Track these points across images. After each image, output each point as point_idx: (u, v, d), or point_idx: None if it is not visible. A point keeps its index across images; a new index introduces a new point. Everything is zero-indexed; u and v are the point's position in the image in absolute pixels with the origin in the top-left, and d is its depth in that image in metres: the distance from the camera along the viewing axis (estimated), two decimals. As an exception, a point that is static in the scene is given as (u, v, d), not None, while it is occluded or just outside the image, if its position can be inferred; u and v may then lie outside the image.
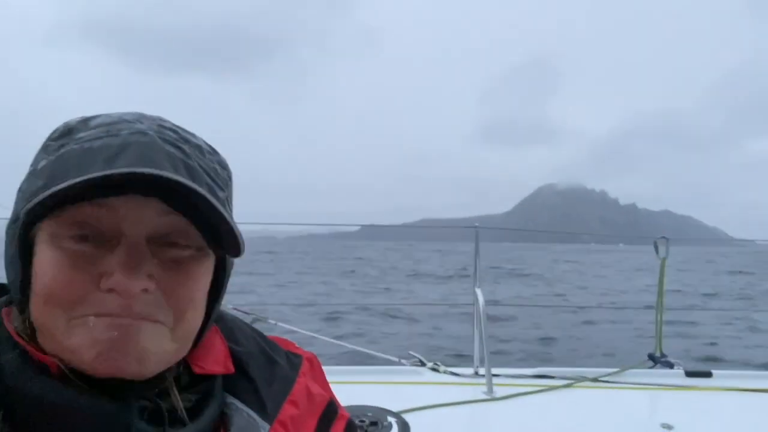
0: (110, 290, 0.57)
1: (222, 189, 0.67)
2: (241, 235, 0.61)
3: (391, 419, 1.86)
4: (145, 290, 0.58)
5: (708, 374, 3.40)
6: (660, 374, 3.45)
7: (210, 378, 0.70)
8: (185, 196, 0.58)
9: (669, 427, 2.57)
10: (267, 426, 0.70)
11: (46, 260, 0.58)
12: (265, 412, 0.71)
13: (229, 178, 0.71)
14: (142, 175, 0.54)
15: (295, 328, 3.61)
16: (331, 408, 0.83)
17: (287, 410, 0.74)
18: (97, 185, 0.54)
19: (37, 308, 0.59)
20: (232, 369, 0.73)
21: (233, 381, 0.73)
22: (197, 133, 0.69)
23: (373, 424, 1.83)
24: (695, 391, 3.17)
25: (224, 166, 0.70)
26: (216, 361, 0.71)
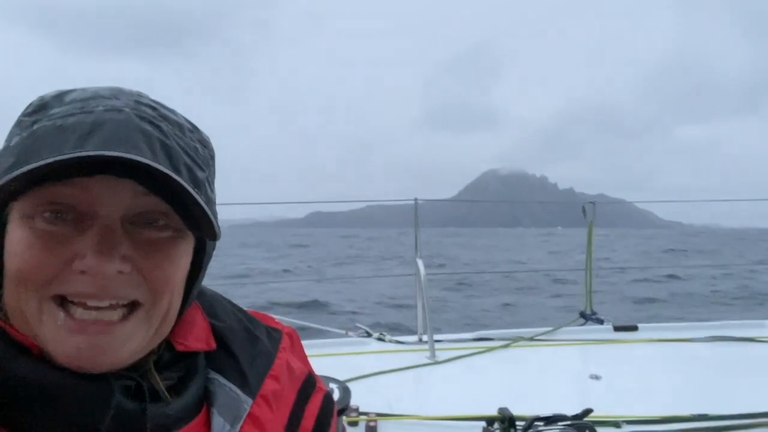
0: (83, 272, 0.55)
1: (202, 169, 0.64)
2: (216, 218, 0.60)
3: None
4: (120, 272, 0.56)
5: (634, 328, 3.66)
6: (590, 330, 3.69)
7: (192, 355, 0.69)
8: (161, 178, 0.55)
9: (597, 377, 2.78)
10: (250, 401, 0.70)
11: (17, 241, 0.56)
12: (248, 387, 0.71)
13: (211, 156, 0.69)
14: (113, 157, 0.52)
15: (245, 308, 3.62)
16: (310, 381, 0.83)
17: (269, 385, 0.74)
18: (70, 165, 0.52)
19: (9, 290, 0.57)
20: (213, 345, 0.72)
21: (215, 357, 0.72)
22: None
23: (316, 390, 1.89)
24: (622, 344, 3.42)
25: (205, 144, 0.68)
26: (198, 338, 0.70)
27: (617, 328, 3.65)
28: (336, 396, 1.87)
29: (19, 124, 0.62)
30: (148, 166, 0.54)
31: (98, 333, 0.56)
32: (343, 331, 3.54)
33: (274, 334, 0.83)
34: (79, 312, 0.56)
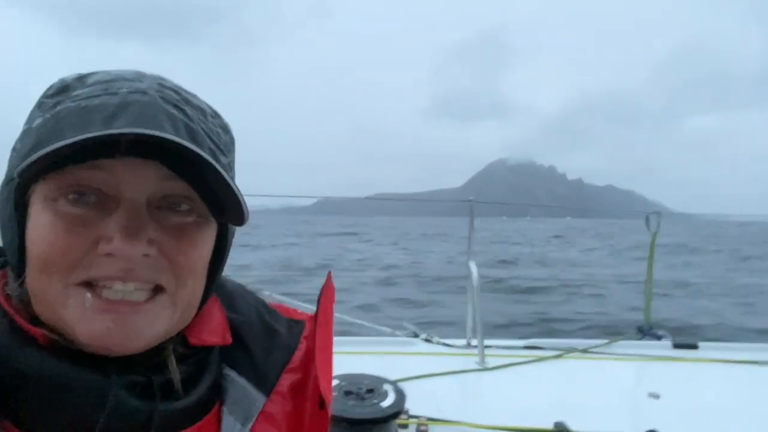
0: (108, 255, 0.55)
1: (224, 154, 0.64)
2: (245, 202, 0.59)
3: (388, 387, 1.90)
4: (146, 256, 0.56)
5: (694, 346, 3.48)
6: (648, 345, 3.52)
7: (206, 349, 0.68)
8: (187, 161, 0.55)
9: (656, 396, 2.64)
10: (263, 398, 0.69)
11: (41, 224, 0.56)
12: (263, 384, 0.70)
13: (232, 142, 0.69)
14: (144, 136, 0.51)
15: (289, 300, 3.63)
16: None
17: (286, 379, 0.72)
18: (95, 146, 0.51)
19: (32, 274, 0.57)
20: (229, 340, 0.71)
21: (231, 351, 0.71)
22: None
23: (370, 391, 1.86)
24: (682, 362, 3.25)
25: (227, 129, 0.67)
26: (213, 331, 0.69)
27: (676, 345, 3.47)
28: (391, 399, 1.83)
29: (40, 105, 0.61)
30: (178, 147, 0.53)
31: (127, 313, 0.55)
32: (390, 330, 3.50)
33: (296, 326, 0.79)
34: (105, 292, 0.55)
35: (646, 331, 3.74)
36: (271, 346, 0.74)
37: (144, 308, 0.57)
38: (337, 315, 3.79)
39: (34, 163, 0.51)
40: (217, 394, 0.67)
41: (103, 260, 0.55)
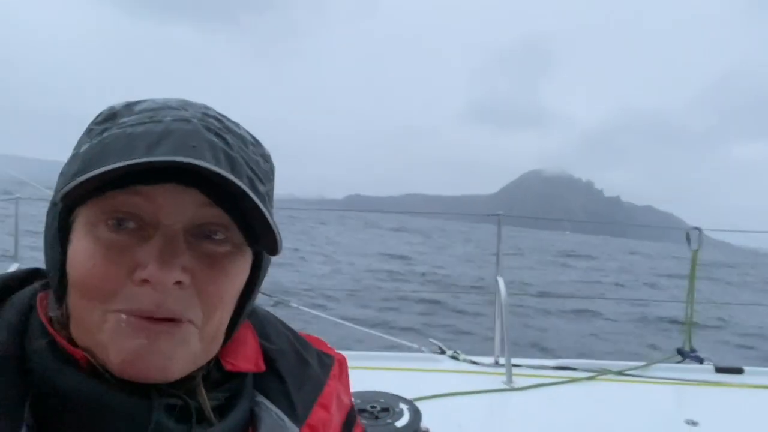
0: (143, 282, 0.55)
1: (263, 183, 0.64)
2: (279, 233, 0.59)
3: (403, 406, 1.84)
4: (179, 283, 0.56)
5: (739, 371, 3.28)
6: (688, 369, 3.35)
7: (241, 375, 0.68)
8: (225, 189, 0.56)
9: (694, 423, 2.49)
10: (296, 429, 0.69)
11: (81, 249, 0.57)
12: (295, 414, 0.70)
13: (272, 171, 0.69)
14: (182, 164, 0.52)
15: (317, 312, 3.62)
16: (352, 416, 0.82)
17: (317, 413, 0.73)
18: (137, 172, 0.53)
19: (73, 299, 0.58)
20: (263, 367, 0.71)
21: (264, 379, 0.71)
22: (241, 124, 0.67)
23: (385, 410, 1.81)
24: (724, 387, 3.07)
25: (267, 158, 0.68)
26: (247, 358, 0.70)
27: (719, 370, 3.29)
28: (406, 419, 1.78)
29: (89, 132, 0.63)
30: (216, 175, 0.54)
31: (159, 332, 0.56)
32: (416, 346, 3.44)
33: (326, 359, 0.81)
34: (138, 324, 0.56)
35: (686, 354, 3.56)
36: (303, 377, 0.75)
37: (175, 330, 0.57)
38: (362, 329, 3.75)
39: (76, 187, 0.52)
40: (250, 422, 0.67)
41: (138, 291, 0.55)
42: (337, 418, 0.77)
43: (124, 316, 0.56)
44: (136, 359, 0.56)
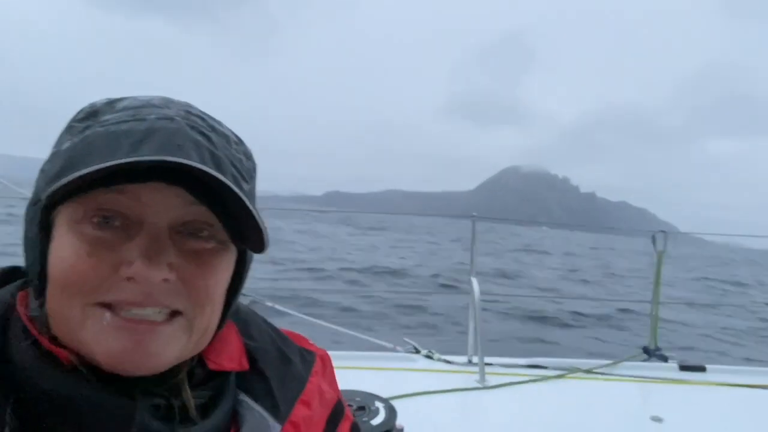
0: (129, 278, 0.55)
1: (246, 181, 0.65)
2: (266, 229, 0.60)
3: (379, 404, 1.87)
4: (166, 280, 0.56)
5: (702, 369, 3.40)
6: (654, 367, 3.45)
7: (223, 374, 0.69)
8: (210, 187, 0.56)
9: (659, 419, 2.58)
10: (278, 426, 0.69)
11: (64, 246, 0.57)
12: (278, 412, 0.70)
13: (254, 169, 0.69)
14: (169, 163, 0.52)
15: (291, 311, 3.61)
16: (339, 408, 0.82)
17: (299, 410, 0.73)
18: (121, 171, 0.52)
19: (53, 295, 0.57)
20: (246, 366, 0.72)
21: (246, 378, 0.72)
22: (224, 122, 0.67)
23: (361, 408, 1.83)
24: (688, 384, 3.17)
25: (249, 156, 0.69)
26: (230, 357, 0.70)
27: (683, 368, 3.40)
28: (381, 417, 1.80)
29: (69, 129, 0.62)
30: (202, 173, 0.54)
31: (144, 332, 0.56)
32: (392, 345, 3.46)
33: (308, 356, 0.82)
34: (123, 313, 0.56)
35: (652, 352, 3.67)
36: (285, 374, 0.75)
37: (161, 329, 0.57)
38: (337, 328, 3.75)
39: (65, 185, 0.52)
40: (233, 420, 0.68)
41: (124, 284, 0.56)
42: (320, 413, 0.77)
43: (107, 314, 0.56)
44: (121, 360, 0.56)
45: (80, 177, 0.51)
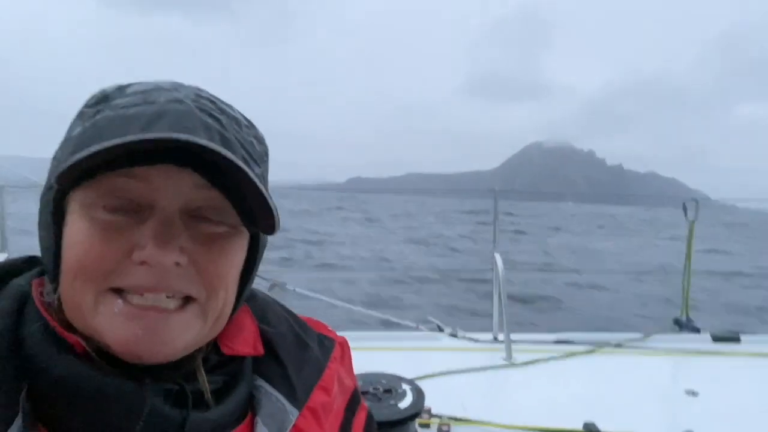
0: (142, 263, 0.55)
1: (257, 164, 0.64)
2: (277, 211, 0.59)
3: (406, 386, 1.82)
4: (177, 264, 0.56)
5: (736, 339, 3.30)
6: (686, 339, 3.36)
7: (238, 359, 0.69)
8: (221, 170, 0.56)
9: (693, 393, 2.50)
10: (296, 412, 0.69)
11: (76, 231, 0.57)
12: (295, 398, 0.70)
13: (266, 153, 0.69)
14: (178, 141, 0.52)
15: (312, 294, 3.59)
16: (355, 397, 0.82)
17: (318, 396, 0.72)
18: (131, 154, 0.53)
19: (66, 281, 0.57)
20: (261, 351, 0.71)
21: (263, 363, 0.71)
22: (234, 106, 0.67)
23: (387, 391, 1.79)
24: (722, 356, 3.08)
25: (261, 140, 0.68)
26: (245, 342, 0.70)
27: (716, 339, 3.30)
28: (409, 399, 1.76)
29: (81, 115, 0.62)
30: (214, 154, 0.53)
31: (156, 319, 0.56)
32: (415, 324, 3.43)
33: (326, 342, 0.82)
34: (136, 299, 0.56)
35: (683, 324, 3.57)
36: (303, 360, 0.75)
37: (174, 316, 0.57)
38: (360, 309, 3.72)
39: (71, 168, 0.51)
40: (249, 405, 0.68)
41: (136, 269, 0.56)
42: (339, 400, 0.77)
43: (119, 302, 0.56)
44: (134, 347, 0.56)
45: (89, 159, 0.51)
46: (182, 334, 0.58)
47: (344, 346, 0.85)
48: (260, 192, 0.56)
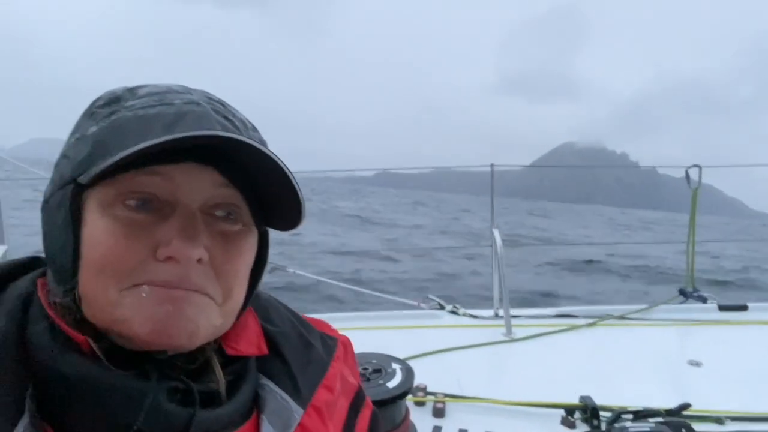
0: (168, 258, 0.56)
1: None
2: (304, 202, 0.61)
3: (396, 366, 1.81)
4: (200, 260, 0.58)
5: (743, 308, 3.24)
6: (692, 309, 3.31)
7: (242, 359, 0.69)
8: (241, 168, 0.58)
9: (697, 363, 2.47)
10: (300, 410, 0.69)
11: (99, 229, 0.57)
12: (299, 396, 0.70)
13: None
14: (213, 138, 0.54)
15: (312, 275, 3.59)
16: (360, 395, 0.82)
17: (321, 395, 0.73)
18: (153, 152, 0.53)
19: (88, 278, 0.57)
20: (265, 350, 0.72)
21: (267, 362, 0.72)
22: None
23: (376, 371, 1.77)
24: (729, 325, 3.03)
25: (264, 144, 0.68)
26: (249, 342, 0.71)
27: (723, 308, 3.25)
28: (398, 378, 1.74)
29: (92, 115, 0.62)
30: (231, 155, 0.57)
31: (183, 299, 0.57)
32: (416, 303, 3.41)
33: (329, 341, 0.83)
34: (162, 292, 0.57)
35: (689, 294, 3.52)
36: (306, 359, 0.76)
37: (197, 296, 0.58)
38: (360, 289, 3.71)
39: (105, 168, 0.52)
40: (255, 404, 0.69)
41: (160, 266, 0.57)
42: (342, 399, 0.78)
43: (146, 287, 0.56)
44: (164, 326, 0.56)
45: (124, 158, 0.51)
46: (205, 315, 0.59)
47: (347, 345, 0.86)
48: (289, 180, 0.58)
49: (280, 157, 0.61)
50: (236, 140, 0.55)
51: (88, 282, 0.58)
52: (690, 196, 3.50)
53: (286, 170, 0.58)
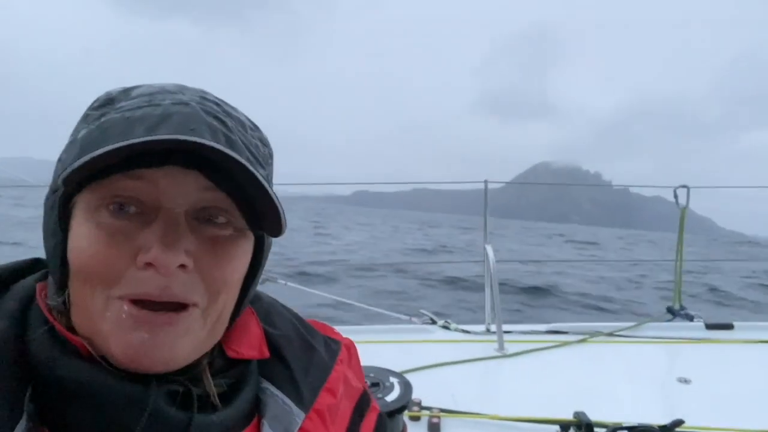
0: (147, 265, 0.55)
1: (262, 166, 0.64)
2: (284, 212, 0.59)
3: (394, 379, 1.81)
4: (183, 266, 0.56)
5: (729, 326, 3.30)
6: (679, 327, 3.35)
7: (244, 362, 0.69)
8: (226, 172, 0.56)
9: (686, 381, 2.50)
10: (302, 414, 0.69)
11: (82, 235, 0.56)
12: (301, 400, 0.70)
13: (270, 156, 0.69)
14: (184, 142, 0.52)
15: (305, 288, 3.57)
16: (365, 399, 0.81)
17: (324, 398, 0.73)
18: (137, 156, 0.53)
19: (75, 285, 0.57)
20: (267, 354, 0.71)
21: (269, 366, 0.72)
22: (238, 108, 0.67)
23: (375, 385, 1.77)
24: (715, 343, 3.08)
25: (265, 143, 0.68)
26: (250, 345, 0.70)
27: (710, 326, 3.29)
28: (397, 392, 1.74)
29: (85, 118, 0.62)
30: (219, 155, 0.53)
31: (162, 324, 0.55)
32: (407, 317, 3.41)
33: (333, 345, 0.81)
34: (141, 315, 0.56)
35: (676, 312, 3.56)
36: (309, 362, 0.75)
37: (177, 319, 0.57)
38: (352, 302, 3.70)
39: (77, 170, 0.51)
40: (256, 408, 0.68)
41: (142, 275, 0.55)
42: (345, 402, 0.77)
43: (126, 307, 0.55)
44: (137, 354, 0.55)
45: (95, 161, 0.51)
46: (183, 339, 0.57)
47: (351, 348, 0.85)
48: (267, 192, 0.56)
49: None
50: (210, 146, 0.53)
51: (76, 288, 0.57)
52: (678, 215, 3.56)
53: (257, 176, 0.55)
